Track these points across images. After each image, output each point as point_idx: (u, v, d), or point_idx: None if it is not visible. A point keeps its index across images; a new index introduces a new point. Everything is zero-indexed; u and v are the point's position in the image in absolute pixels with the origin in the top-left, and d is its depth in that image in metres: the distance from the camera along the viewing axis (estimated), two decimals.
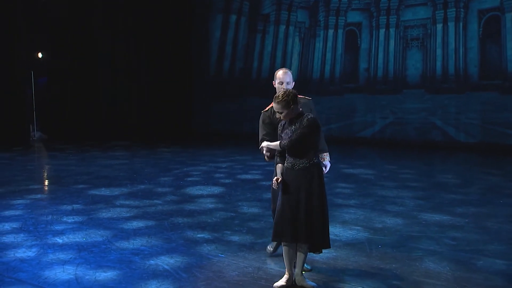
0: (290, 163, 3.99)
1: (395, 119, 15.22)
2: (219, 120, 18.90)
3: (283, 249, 4.06)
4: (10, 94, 17.69)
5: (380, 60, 15.33)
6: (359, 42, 15.83)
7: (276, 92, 4.38)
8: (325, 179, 8.72)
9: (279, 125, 4.14)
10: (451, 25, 14.12)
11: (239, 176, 9.45)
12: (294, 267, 4.03)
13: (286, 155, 4.02)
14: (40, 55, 20.96)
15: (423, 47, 14.70)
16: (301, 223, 3.90)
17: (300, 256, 4.00)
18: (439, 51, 14.34)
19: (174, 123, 19.53)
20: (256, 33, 18.10)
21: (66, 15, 18.55)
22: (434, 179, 9.15)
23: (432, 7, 14.39)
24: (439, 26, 14.32)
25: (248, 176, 9.45)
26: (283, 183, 3.99)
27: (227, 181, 8.96)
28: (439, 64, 14.35)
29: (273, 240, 4.35)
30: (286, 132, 4.01)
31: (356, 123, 15.95)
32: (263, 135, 4.49)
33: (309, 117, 3.94)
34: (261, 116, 4.67)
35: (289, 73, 4.70)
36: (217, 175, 9.65)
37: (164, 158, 12.43)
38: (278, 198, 4.06)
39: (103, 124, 19.41)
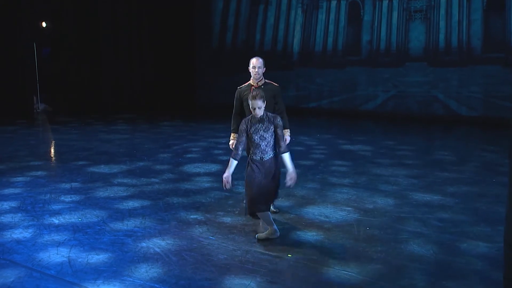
0: (258, 156, 4.76)
1: (397, 92, 15.17)
2: (222, 92, 18.87)
3: (262, 216, 4.80)
4: (13, 66, 17.74)
5: (383, 33, 15.18)
6: (362, 14, 15.65)
7: (251, 76, 5.63)
8: (322, 155, 8.77)
9: (246, 123, 4.72)
10: None
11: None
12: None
13: (255, 149, 4.76)
14: (44, 24, 20.80)
15: (426, 19, 14.51)
16: (267, 195, 4.78)
17: None
18: (442, 23, 14.16)
19: (177, 95, 19.57)
20: (259, 4, 17.91)
21: None
22: (431, 156, 9.18)
23: None
24: None
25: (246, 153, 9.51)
26: (253, 171, 4.79)
27: (225, 158, 9.02)
28: (442, 36, 14.20)
29: (249, 214, 4.91)
30: (256, 127, 4.68)
31: (358, 96, 15.91)
32: (233, 114, 5.68)
33: (278, 117, 4.76)
34: (236, 92, 5.61)
35: (260, 60, 5.60)
36: (216, 151, 9.74)
37: (164, 133, 12.53)
38: (248, 183, 4.84)
39: (106, 96, 19.49)
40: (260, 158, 4.75)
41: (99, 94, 19.38)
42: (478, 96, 13.74)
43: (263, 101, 4.60)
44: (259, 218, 4.89)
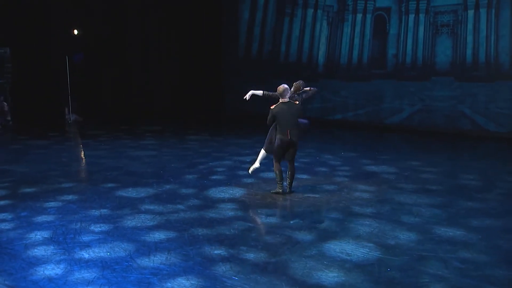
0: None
1: (423, 107, 15.08)
2: (247, 102, 19.00)
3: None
4: (45, 77, 18.29)
5: (409, 46, 15.10)
6: (387, 27, 15.60)
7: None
8: (346, 179, 8.83)
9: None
10: (483, 11, 13.74)
11: (261, 174, 9.65)
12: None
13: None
14: (75, 32, 21.16)
15: (453, 33, 14.38)
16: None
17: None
18: (469, 38, 14.02)
19: (204, 105, 19.85)
20: (284, 16, 18.01)
21: None
22: (456, 180, 9.14)
23: None
24: (471, 13, 13.96)
25: (270, 175, 9.59)
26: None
27: (249, 180, 9.18)
28: (469, 51, 14.06)
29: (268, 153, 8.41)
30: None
31: (383, 109, 15.87)
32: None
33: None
34: (270, 111, 7.90)
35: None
36: (241, 172, 9.88)
37: (191, 149, 12.74)
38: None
39: (135, 105, 19.90)
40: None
41: (127, 103, 19.83)
42: (507, 112, 13.56)
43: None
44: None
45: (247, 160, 11.10)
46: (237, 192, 8.40)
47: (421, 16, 14.84)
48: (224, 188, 8.66)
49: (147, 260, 5.52)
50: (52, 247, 5.92)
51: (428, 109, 15.01)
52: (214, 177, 9.52)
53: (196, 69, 19.96)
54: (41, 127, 16.62)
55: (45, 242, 6.09)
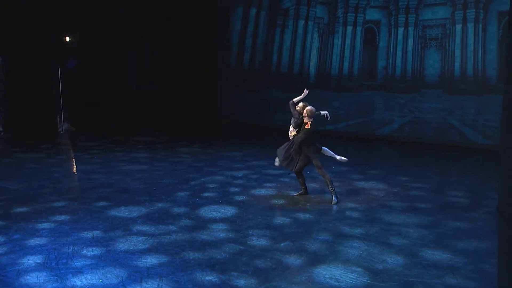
0: None
1: (413, 118, 15.27)
2: (241, 112, 19.16)
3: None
4: (37, 86, 18.25)
5: (399, 59, 15.29)
6: (377, 40, 15.77)
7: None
8: (336, 197, 8.78)
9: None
10: (470, 26, 13.96)
11: (253, 191, 9.75)
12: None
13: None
14: (67, 39, 21.06)
15: (441, 47, 14.59)
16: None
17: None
18: (457, 52, 14.24)
19: (198, 114, 19.93)
20: (276, 27, 18.15)
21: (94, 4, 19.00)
22: (444, 197, 9.28)
23: (451, 7, 14.23)
24: (458, 27, 14.18)
25: (262, 192, 9.75)
26: None
27: (240, 198, 9.27)
28: (457, 65, 14.28)
29: None
30: None
31: (374, 120, 16.04)
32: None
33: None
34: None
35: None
36: (232, 189, 9.97)
37: (183, 163, 12.80)
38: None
39: (128, 116, 19.93)
40: None
41: (121, 111, 19.86)
42: (494, 125, 13.75)
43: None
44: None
45: (239, 175, 11.21)
46: (228, 211, 8.48)
47: (410, 30, 15.04)
48: (215, 206, 8.74)
49: (139, 287, 5.59)
50: (44, 273, 5.97)
51: (417, 121, 15.21)
52: (206, 194, 9.60)
53: (189, 78, 20.03)
54: (33, 138, 16.61)
55: (38, 268, 6.13)
